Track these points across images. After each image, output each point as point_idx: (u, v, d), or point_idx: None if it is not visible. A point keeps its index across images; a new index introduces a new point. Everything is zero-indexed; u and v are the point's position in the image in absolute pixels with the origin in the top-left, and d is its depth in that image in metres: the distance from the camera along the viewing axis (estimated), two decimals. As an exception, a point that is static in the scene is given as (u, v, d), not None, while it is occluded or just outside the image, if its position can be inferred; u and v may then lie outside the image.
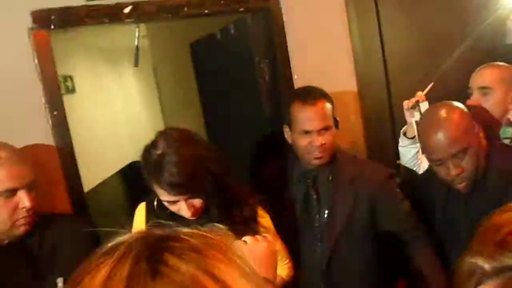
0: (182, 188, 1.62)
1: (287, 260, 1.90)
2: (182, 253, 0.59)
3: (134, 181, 6.90)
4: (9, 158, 1.69)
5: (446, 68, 2.81)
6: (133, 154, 7.09)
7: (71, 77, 5.71)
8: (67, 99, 5.28)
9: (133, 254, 0.58)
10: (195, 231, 0.65)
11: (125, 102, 7.61)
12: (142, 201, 1.89)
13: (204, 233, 0.65)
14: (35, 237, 1.77)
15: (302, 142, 2.02)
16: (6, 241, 1.74)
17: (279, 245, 1.87)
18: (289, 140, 2.13)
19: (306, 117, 2.01)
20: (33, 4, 2.09)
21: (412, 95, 2.24)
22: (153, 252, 0.59)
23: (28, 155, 1.82)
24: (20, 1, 2.09)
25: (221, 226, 0.70)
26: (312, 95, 2.04)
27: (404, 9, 2.84)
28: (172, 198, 1.66)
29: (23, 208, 1.69)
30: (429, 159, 1.94)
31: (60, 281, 1.71)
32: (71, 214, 2.21)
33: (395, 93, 2.76)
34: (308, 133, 2.00)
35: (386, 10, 2.77)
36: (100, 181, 6.25)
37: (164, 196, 1.66)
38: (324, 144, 2.00)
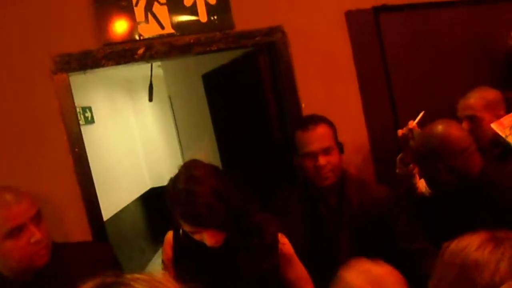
0: (201, 221, 1.70)
1: (311, 286, 1.95)
2: None
3: (153, 207, 6.96)
4: (10, 199, 1.71)
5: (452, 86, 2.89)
6: (151, 180, 7.25)
7: (89, 108, 5.88)
8: (86, 129, 5.46)
9: None
10: (142, 276, 0.76)
11: (142, 130, 7.76)
12: (169, 229, 1.97)
13: (149, 278, 0.76)
14: (54, 267, 1.78)
15: (308, 164, 2.15)
16: (29, 276, 1.75)
17: (301, 271, 1.94)
18: (298, 166, 2.25)
19: (307, 141, 2.15)
20: (53, 49, 2.23)
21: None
22: None
23: (25, 190, 1.82)
24: (41, 46, 2.22)
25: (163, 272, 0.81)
26: (310, 121, 2.20)
27: (408, 31, 2.92)
28: (194, 229, 1.75)
29: (34, 242, 1.70)
30: None
31: None
32: (91, 242, 2.27)
33: (401, 115, 2.79)
34: (311, 155, 2.13)
35: (390, 40, 2.86)
36: (121, 208, 6.37)
37: (186, 227, 1.76)
38: (328, 164, 2.12)
